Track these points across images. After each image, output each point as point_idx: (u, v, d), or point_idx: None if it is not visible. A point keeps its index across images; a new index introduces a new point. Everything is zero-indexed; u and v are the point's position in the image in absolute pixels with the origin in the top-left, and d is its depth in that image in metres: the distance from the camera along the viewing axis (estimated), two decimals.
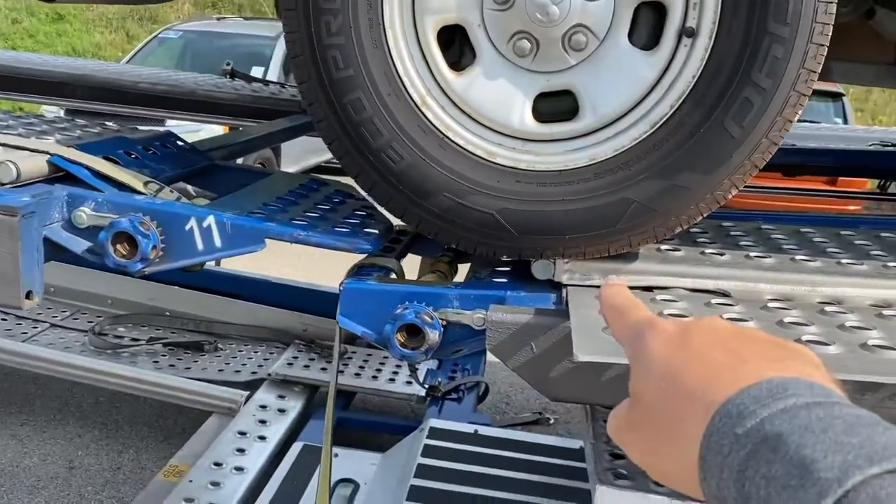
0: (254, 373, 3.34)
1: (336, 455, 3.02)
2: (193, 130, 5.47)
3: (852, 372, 0.95)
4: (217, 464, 2.61)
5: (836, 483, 0.40)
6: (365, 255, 1.52)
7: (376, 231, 1.55)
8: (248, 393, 3.14)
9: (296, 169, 7.91)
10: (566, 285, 1.35)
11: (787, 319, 1.12)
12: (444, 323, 1.34)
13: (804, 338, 1.04)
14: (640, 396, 0.56)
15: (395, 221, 1.54)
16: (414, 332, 1.34)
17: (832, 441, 0.42)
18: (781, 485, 0.42)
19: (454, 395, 3.39)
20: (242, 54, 7.77)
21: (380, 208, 1.48)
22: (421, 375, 3.50)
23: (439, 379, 3.44)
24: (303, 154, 7.78)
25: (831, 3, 1.19)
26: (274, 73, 7.48)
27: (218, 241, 1.37)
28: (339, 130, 1.31)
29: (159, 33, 8.97)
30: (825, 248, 1.49)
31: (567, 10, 1.27)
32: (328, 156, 8.29)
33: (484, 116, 1.34)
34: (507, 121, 1.34)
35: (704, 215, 1.32)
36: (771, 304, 1.22)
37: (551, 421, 3.81)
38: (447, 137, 1.33)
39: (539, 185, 1.32)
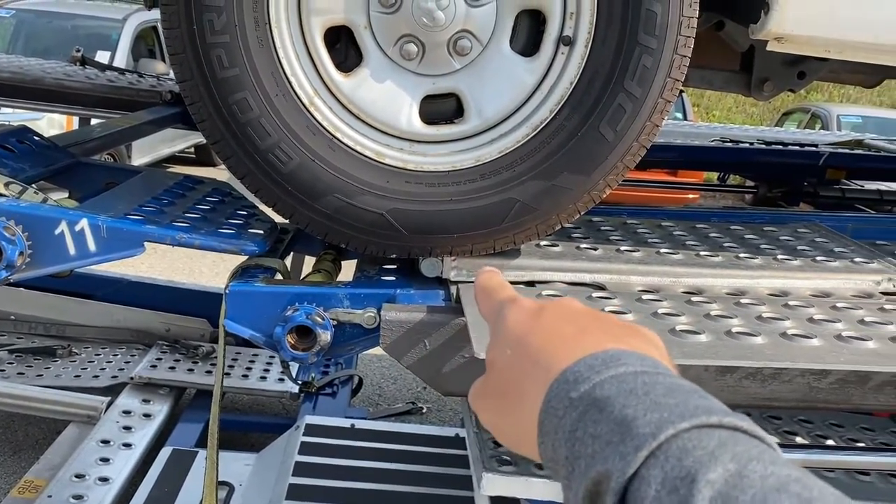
0: (114, 377, 3.18)
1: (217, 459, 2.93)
2: (29, 119, 5.07)
3: (724, 358, 1.06)
4: (79, 476, 2.46)
5: (651, 437, 0.44)
6: (248, 257, 1.49)
7: (261, 231, 1.52)
8: (108, 399, 2.98)
9: (149, 160, 7.50)
10: (454, 282, 1.39)
11: (660, 311, 1.22)
12: (335, 323, 1.35)
13: (678, 327, 1.14)
14: (493, 364, 0.60)
15: (277, 219, 1.53)
16: (305, 333, 1.34)
17: (652, 402, 0.46)
18: (605, 441, 0.46)
19: (328, 391, 3.38)
20: (85, 37, 7.26)
21: (266, 209, 1.45)
22: (293, 372, 3.46)
23: (312, 375, 3.42)
24: (155, 144, 7.39)
25: (693, 17, 1.30)
26: (122, 59, 7.03)
27: (92, 246, 1.30)
28: (225, 131, 1.28)
29: None
30: (685, 241, 1.62)
31: (452, 15, 1.30)
32: (183, 145, 7.94)
33: (372, 118, 1.35)
34: (395, 122, 1.36)
35: (582, 213, 1.40)
36: (644, 297, 1.32)
37: (424, 410, 3.87)
38: (336, 138, 1.33)
39: (428, 185, 1.35)
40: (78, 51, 3.02)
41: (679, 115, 8.33)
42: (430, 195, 1.35)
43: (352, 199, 1.32)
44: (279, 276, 1.50)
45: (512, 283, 1.39)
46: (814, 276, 1.47)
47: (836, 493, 0.41)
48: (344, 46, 1.37)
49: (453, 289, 1.36)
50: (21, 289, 3.38)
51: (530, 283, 1.41)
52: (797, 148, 3.49)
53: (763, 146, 3.52)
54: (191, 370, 3.36)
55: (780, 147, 3.53)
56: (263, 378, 3.44)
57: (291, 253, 1.76)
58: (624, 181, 4.24)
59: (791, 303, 1.31)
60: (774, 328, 1.17)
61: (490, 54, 1.35)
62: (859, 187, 3.56)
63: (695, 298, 1.32)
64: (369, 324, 1.34)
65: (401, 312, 1.27)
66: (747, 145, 3.53)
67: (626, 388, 0.48)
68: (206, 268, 5.43)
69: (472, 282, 1.38)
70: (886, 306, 1.36)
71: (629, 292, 1.36)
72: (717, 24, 1.72)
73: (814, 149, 3.47)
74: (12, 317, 3.43)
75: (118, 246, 1.32)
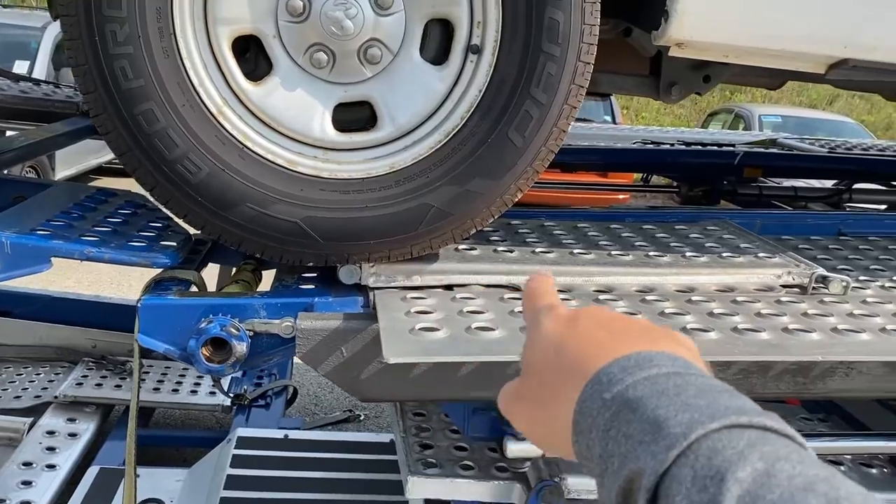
0: (37, 396, 3.07)
1: (138, 476, 2.86)
2: None
3: None
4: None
5: (682, 437, 0.45)
6: (163, 269, 1.47)
7: (174, 243, 1.50)
8: (31, 419, 2.88)
9: (73, 172, 7.28)
10: (372, 288, 1.40)
11: None
12: (252, 333, 1.34)
13: None
14: (529, 368, 0.62)
15: (194, 231, 1.51)
16: (220, 345, 1.33)
17: (683, 403, 0.48)
18: (638, 440, 0.48)
19: (262, 402, 3.34)
20: (3, 45, 7.01)
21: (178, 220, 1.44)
22: (225, 384, 3.41)
23: (245, 386, 3.37)
24: (79, 156, 7.18)
25: (594, 25, 1.34)
26: (41, 69, 6.81)
27: None
28: (131, 142, 1.26)
29: None
30: (598, 242, 1.66)
31: (361, 24, 1.31)
32: (109, 156, 7.72)
33: (284, 126, 1.36)
34: (308, 130, 1.36)
35: (496, 217, 1.43)
36: None
37: (361, 417, 3.86)
38: (247, 147, 1.32)
39: (343, 192, 1.36)
40: None
41: (608, 119, 8.51)
42: (345, 202, 1.36)
43: (265, 208, 1.32)
44: (195, 289, 1.48)
45: (430, 287, 1.41)
46: (719, 271, 1.53)
47: (863, 491, 0.42)
48: (254, 55, 1.37)
49: (372, 295, 1.37)
50: None
51: (448, 287, 1.43)
52: (715, 148, 3.61)
53: (683, 147, 3.64)
54: (118, 386, 3.28)
55: (700, 147, 3.64)
56: (194, 392, 3.38)
57: (226, 265, 1.74)
58: (554, 183, 4.27)
59: (694, 298, 1.37)
60: (675, 323, 1.21)
61: (401, 62, 1.37)
62: (776, 184, 3.71)
63: (602, 297, 1.36)
64: (286, 333, 1.34)
65: (316, 321, 1.27)
66: (668, 146, 3.64)
67: (657, 389, 0.50)
68: (134, 280, 5.29)
69: (390, 288, 1.40)
70: (783, 299, 1.43)
71: None
72: (625, 30, 1.78)
73: (731, 148, 3.59)
74: None
75: (23, 262, 1.29)
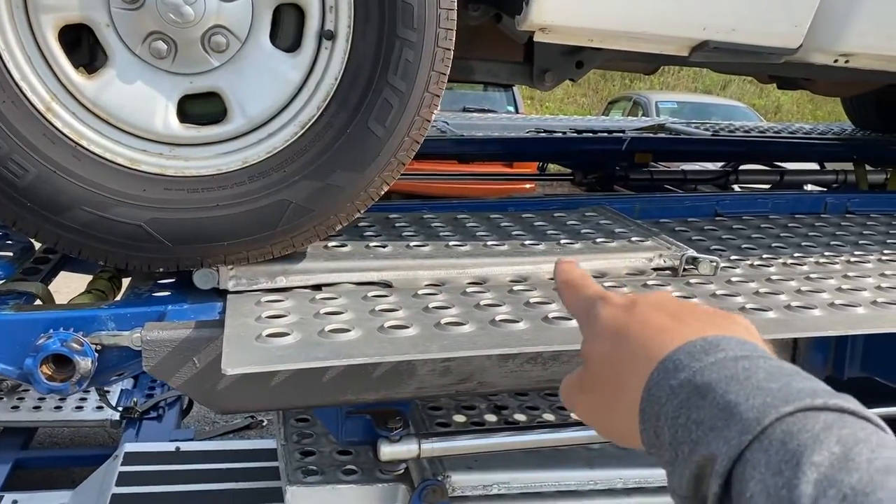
0: None
1: (15, 502, 2.68)
2: None
3: (483, 347, 1.06)
4: None
5: (756, 422, 0.44)
6: (0, 282, 1.34)
7: (10, 254, 1.38)
8: None
9: None
10: (232, 292, 1.32)
11: (431, 305, 1.21)
12: (99, 347, 1.24)
13: (443, 321, 1.13)
14: (590, 360, 0.60)
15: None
16: (63, 362, 1.22)
17: (754, 387, 0.47)
18: (709, 427, 0.46)
19: (153, 414, 3.19)
20: None
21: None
22: (115, 397, 3.24)
23: (135, 398, 3.21)
24: None
25: (452, 9, 1.29)
26: None
27: None
28: None
29: None
30: (475, 233, 1.63)
31: (202, 11, 1.23)
32: None
33: (123, 121, 1.25)
34: (150, 125, 1.26)
35: (362, 211, 1.37)
36: (420, 292, 1.30)
37: (265, 423, 3.74)
38: (81, 146, 1.22)
39: (191, 191, 1.27)
40: None
41: (511, 109, 8.57)
42: (193, 202, 1.27)
43: (104, 211, 1.22)
44: (39, 302, 1.37)
45: (295, 288, 1.34)
46: (592, 257, 1.52)
47: None
48: (87, 46, 1.26)
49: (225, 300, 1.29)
50: None
51: (316, 287, 1.37)
52: (605, 135, 3.66)
53: (574, 135, 3.67)
54: None
55: (590, 135, 3.69)
56: (80, 408, 3.20)
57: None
58: (456, 175, 4.21)
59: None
60: (538, 313, 1.18)
61: (249, 50, 1.29)
62: (666, 168, 3.79)
63: (472, 289, 1.32)
64: (137, 345, 1.24)
65: (163, 331, 1.18)
66: (560, 135, 3.66)
67: (727, 373, 0.48)
68: None
69: (251, 291, 1.32)
70: (649, 282, 1.43)
71: (412, 287, 1.34)
72: (495, 16, 1.74)
73: (620, 135, 3.65)
74: None
75: None
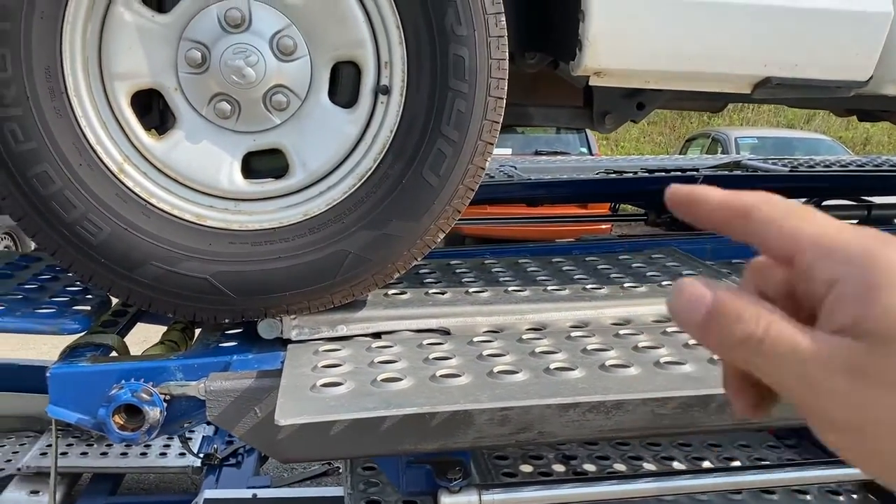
0: (0, 469, 2.99)
1: None
2: None
3: (534, 396, 1.04)
4: None
5: None
6: (81, 335, 1.42)
7: (87, 308, 1.45)
8: None
9: None
10: (295, 341, 1.35)
11: (485, 353, 1.20)
12: (167, 397, 1.28)
13: (496, 369, 1.12)
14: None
15: None
16: (134, 411, 1.27)
17: None
18: None
19: (233, 461, 3.25)
20: None
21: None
22: (197, 444, 3.33)
23: (215, 445, 3.29)
24: None
25: (503, 59, 1.31)
26: None
27: None
28: (27, 207, 1.22)
29: None
30: (536, 277, 1.62)
31: (263, 71, 1.28)
32: None
33: (190, 179, 1.32)
34: (216, 182, 1.32)
35: (419, 259, 1.38)
36: (477, 339, 1.30)
37: (341, 470, 3.75)
38: (150, 204, 1.28)
39: (254, 244, 1.31)
40: None
41: (584, 150, 8.54)
42: (257, 254, 1.31)
43: (172, 265, 1.27)
44: (115, 354, 1.43)
45: (357, 336, 1.36)
46: (657, 301, 1.48)
47: None
48: (157, 109, 1.33)
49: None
50: None
51: (376, 335, 1.38)
52: (678, 174, 3.59)
53: (646, 175, 3.62)
54: (84, 454, 3.20)
55: (663, 174, 3.62)
56: (164, 454, 3.29)
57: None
58: (530, 218, 4.23)
59: (622, 332, 1.32)
60: (594, 360, 1.16)
61: (309, 108, 1.34)
62: None
63: (527, 336, 1.31)
64: (202, 395, 1.28)
65: (226, 381, 1.22)
66: (631, 175, 3.62)
67: None
68: None
69: (313, 340, 1.34)
70: None
71: (469, 334, 1.34)
72: (552, 62, 1.75)
73: (693, 173, 3.57)
74: None
75: None
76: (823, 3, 1.41)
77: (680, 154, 10.59)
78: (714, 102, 2.07)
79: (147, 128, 1.32)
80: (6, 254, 1.70)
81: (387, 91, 1.33)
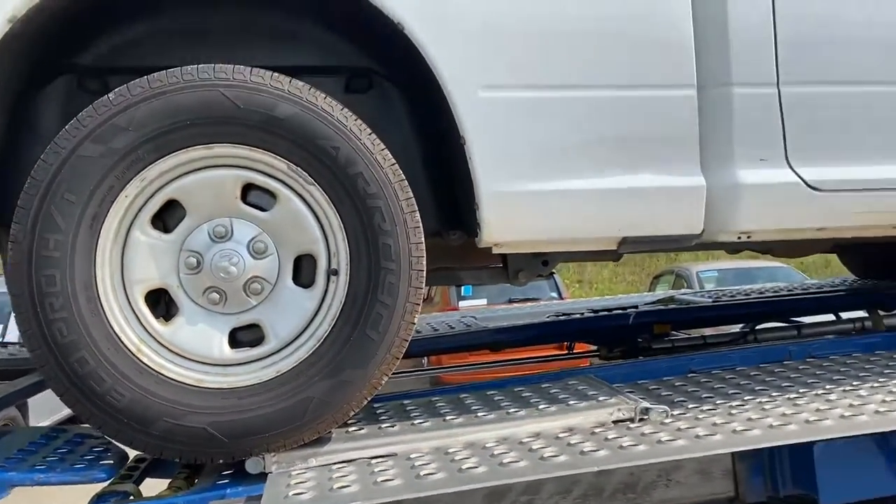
0: None
1: None
2: None
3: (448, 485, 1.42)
4: None
5: None
6: (105, 483, 1.77)
7: (111, 461, 1.82)
8: None
9: (48, 422, 7.47)
10: (275, 473, 1.72)
11: (418, 463, 1.58)
12: None
13: (422, 472, 1.49)
14: None
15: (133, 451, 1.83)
16: None
17: None
18: None
19: None
20: None
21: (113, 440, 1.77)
22: None
23: None
24: (54, 406, 7.42)
25: (420, 243, 1.78)
26: (16, 331, 7.24)
27: None
28: (69, 384, 1.63)
29: None
30: (471, 408, 2.01)
31: (243, 268, 1.74)
32: None
33: (191, 353, 1.74)
34: (210, 353, 1.74)
35: (368, 399, 1.78)
36: (416, 455, 1.68)
37: None
38: (161, 374, 1.69)
39: (240, 398, 1.72)
40: None
41: (554, 295, 9.05)
42: (243, 406, 1.71)
43: (178, 420, 1.66)
44: (132, 498, 1.78)
45: (323, 465, 1.73)
46: (563, 417, 1.87)
47: None
48: (164, 302, 1.78)
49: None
50: None
51: (341, 462, 1.75)
52: (620, 311, 4.05)
53: (591, 315, 4.07)
54: None
55: (607, 312, 4.08)
56: None
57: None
58: (513, 360, 4.64)
59: (534, 446, 1.69)
60: (498, 459, 1.54)
61: (278, 291, 1.79)
62: (687, 336, 4.11)
63: (458, 456, 1.68)
64: None
65: None
66: (578, 316, 4.07)
67: None
68: None
69: (289, 472, 1.71)
70: (609, 434, 1.75)
71: (409, 456, 1.72)
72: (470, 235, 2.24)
73: (634, 310, 4.03)
74: None
75: None
76: (654, 183, 1.92)
77: (649, 291, 11.14)
78: (605, 256, 2.55)
79: (157, 316, 1.75)
80: (40, 428, 2.08)
81: (336, 273, 1.79)
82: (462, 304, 8.79)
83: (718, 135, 1.93)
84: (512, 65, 1.85)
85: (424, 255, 1.80)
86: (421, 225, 1.79)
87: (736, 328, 4.29)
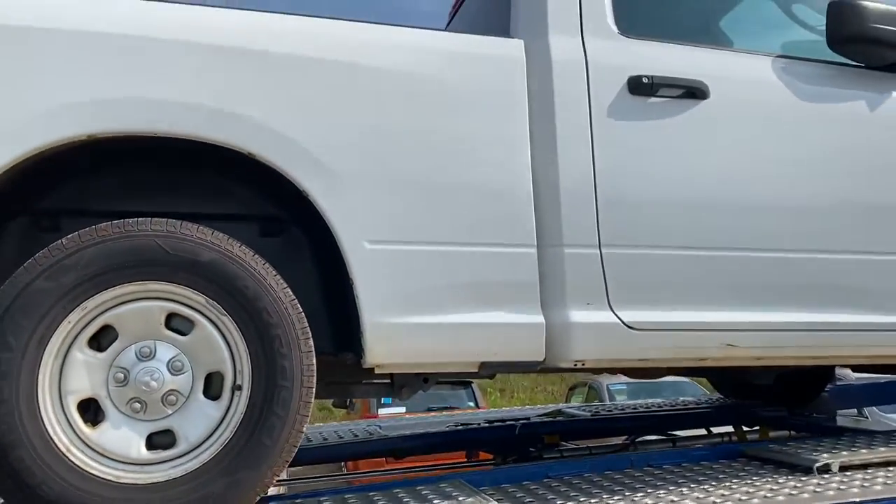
0: None
1: None
2: None
3: None
4: None
5: None
6: None
7: None
8: None
9: None
10: None
11: None
12: None
13: None
14: None
15: None
16: None
17: None
18: None
19: None
20: None
21: None
22: None
23: None
24: None
25: (311, 365, 2.20)
26: None
27: None
28: (4, 476, 1.95)
29: None
30: None
31: (162, 383, 2.12)
32: None
33: (113, 453, 2.08)
34: (129, 454, 2.09)
35: (260, 496, 2.14)
36: None
37: None
38: (87, 471, 2.03)
39: (153, 492, 2.06)
40: None
41: (472, 404, 9.42)
42: (156, 499, 2.05)
43: None
44: None
45: None
46: None
47: None
48: (93, 409, 2.13)
49: None
50: None
51: None
52: (512, 422, 4.48)
53: (486, 425, 4.48)
54: None
55: (500, 423, 4.50)
56: None
57: None
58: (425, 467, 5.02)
59: None
60: None
61: (190, 402, 2.16)
62: (576, 446, 4.55)
63: None
64: None
65: None
66: (475, 426, 4.48)
67: None
68: None
69: None
70: None
71: None
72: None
73: (525, 421, 4.47)
74: None
75: None
76: (503, 319, 2.40)
77: (566, 402, 11.60)
78: (475, 374, 3.00)
79: (86, 421, 2.10)
80: None
81: (240, 388, 2.18)
82: (381, 411, 9.08)
83: (554, 282, 2.44)
84: (391, 223, 2.35)
85: (315, 374, 2.22)
86: (313, 349, 2.22)
87: (619, 440, 4.79)
